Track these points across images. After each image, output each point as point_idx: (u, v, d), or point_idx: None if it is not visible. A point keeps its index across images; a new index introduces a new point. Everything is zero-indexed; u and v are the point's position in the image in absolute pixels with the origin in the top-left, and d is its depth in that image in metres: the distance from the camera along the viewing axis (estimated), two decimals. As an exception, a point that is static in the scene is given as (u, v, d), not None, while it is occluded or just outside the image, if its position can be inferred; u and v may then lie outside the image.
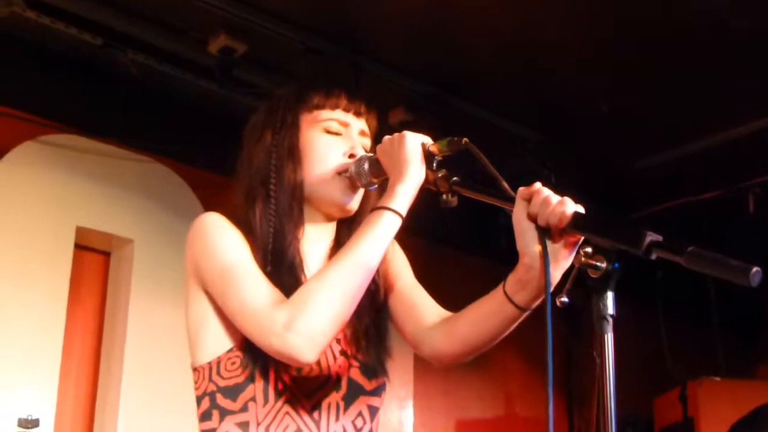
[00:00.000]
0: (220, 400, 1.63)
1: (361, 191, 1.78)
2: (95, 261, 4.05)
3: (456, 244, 5.11)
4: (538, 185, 1.50)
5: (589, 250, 1.36)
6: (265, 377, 1.61)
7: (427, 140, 1.66)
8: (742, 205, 4.69)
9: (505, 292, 1.63)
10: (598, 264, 1.33)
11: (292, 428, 1.62)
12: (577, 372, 4.94)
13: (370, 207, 1.74)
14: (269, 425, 1.61)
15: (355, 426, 1.68)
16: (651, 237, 1.27)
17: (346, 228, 1.79)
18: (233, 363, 1.63)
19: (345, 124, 1.79)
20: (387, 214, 1.60)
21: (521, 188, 1.52)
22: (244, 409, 1.61)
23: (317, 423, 1.64)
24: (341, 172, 1.74)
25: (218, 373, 1.64)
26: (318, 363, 1.62)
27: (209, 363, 1.65)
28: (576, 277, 1.39)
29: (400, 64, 4.05)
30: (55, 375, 3.62)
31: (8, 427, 2.98)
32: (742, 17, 3.57)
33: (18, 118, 3.78)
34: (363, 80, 3.87)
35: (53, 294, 3.70)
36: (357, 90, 1.84)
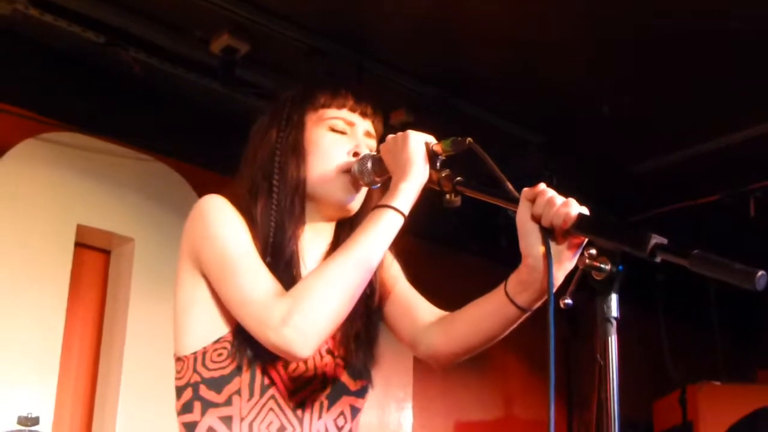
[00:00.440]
0: (204, 391, 1.61)
1: (363, 192, 1.77)
2: (95, 259, 4.05)
3: (457, 245, 5.11)
4: (542, 186, 1.49)
5: (593, 251, 1.35)
6: (252, 371, 1.59)
7: (431, 139, 1.66)
8: (743, 209, 4.69)
9: (506, 293, 1.62)
10: (602, 266, 1.32)
11: (275, 425, 1.60)
12: (577, 375, 4.94)
13: (371, 208, 1.72)
14: (252, 421, 1.59)
15: (336, 425, 1.68)
16: (656, 239, 1.26)
17: (347, 229, 1.78)
18: (220, 354, 1.61)
19: (351, 124, 1.78)
20: (389, 212, 1.59)
21: (525, 189, 1.51)
22: (228, 402, 1.59)
23: (300, 420, 1.63)
24: (344, 171, 1.73)
25: (203, 364, 1.61)
26: (305, 361, 1.61)
27: (194, 353, 1.62)
28: (579, 279, 1.38)
29: (403, 65, 4.05)
30: (54, 373, 3.62)
31: (8, 425, 2.98)
32: (745, 21, 3.57)
33: (19, 115, 3.78)
34: (365, 81, 3.87)
35: (53, 292, 3.70)
36: (367, 95, 1.82)
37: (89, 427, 3.85)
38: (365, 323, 1.73)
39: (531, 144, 4.57)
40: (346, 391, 1.70)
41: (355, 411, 1.72)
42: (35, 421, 2.85)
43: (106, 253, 4.09)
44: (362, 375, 1.72)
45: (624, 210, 5.03)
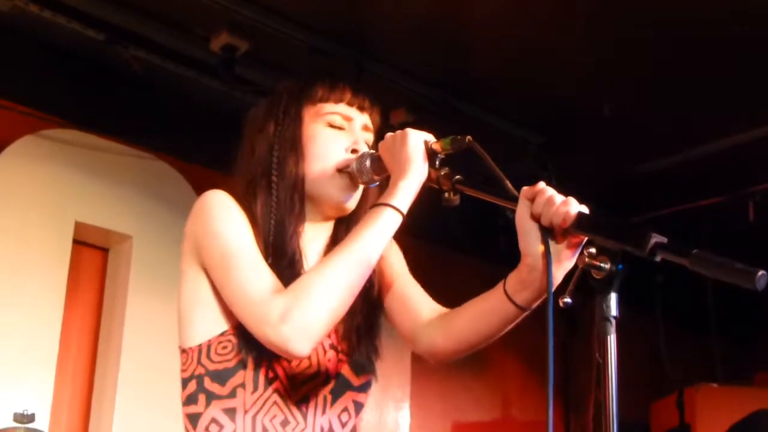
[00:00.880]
0: (208, 383, 1.61)
1: (360, 190, 1.76)
2: (93, 257, 4.04)
3: (455, 245, 5.11)
4: (541, 184, 1.49)
5: (593, 250, 1.34)
6: (257, 364, 1.59)
7: (430, 138, 1.65)
8: (742, 212, 4.69)
9: (505, 291, 1.62)
10: (602, 265, 1.32)
11: (279, 418, 1.60)
12: (574, 376, 4.94)
13: (368, 206, 1.72)
14: (257, 413, 1.59)
15: (340, 420, 1.68)
16: (656, 238, 1.26)
17: (344, 227, 1.78)
18: (225, 347, 1.61)
19: (348, 119, 1.77)
20: (388, 210, 1.59)
21: (525, 187, 1.50)
22: (232, 394, 1.59)
23: (304, 415, 1.63)
24: (342, 169, 1.72)
25: (208, 356, 1.61)
26: (308, 356, 1.61)
27: (199, 345, 1.62)
28: (578, 278, 1.38)
29: (403, 65, 4.05)
30: (51, 370, 3.62)
31: (4, 422, 2.97)
32: (745, 24, 3.57)
33: (18, 112, 3.77)
34: (365, 80, 3.86)
35: (51, 289, 3.69)
36: (364, 89, 1.82)
37: (86, 424, 3.85)
38: (366, 317, 1.73)
39: (530, 144, 4.57)
40: (349, 387, 1.70)
41: (358, 406, 1.72)
42: (31, 418, 2.85)
43: (104, 250, 4.09)
44: (365, 369, 1.72)
45: (623, 212, 5.03)
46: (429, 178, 1.63)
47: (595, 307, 1.30)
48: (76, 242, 3.87)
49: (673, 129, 4.42)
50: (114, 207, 3.95)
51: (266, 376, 1.60)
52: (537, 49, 3.88)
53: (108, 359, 3.87)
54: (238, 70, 3.84)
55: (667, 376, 4.99)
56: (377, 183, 1.74)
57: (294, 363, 1.61)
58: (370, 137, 1.80)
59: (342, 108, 1.77)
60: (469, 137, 1.59)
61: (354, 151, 1.74)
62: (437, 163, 1.63)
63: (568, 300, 1.36)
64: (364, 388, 1.73)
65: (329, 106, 1.77)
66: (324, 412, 1.65)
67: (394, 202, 1.59)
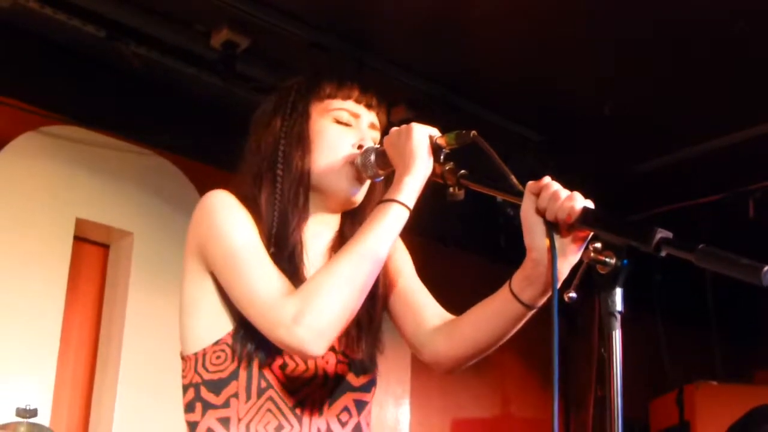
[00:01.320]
0: (204, 393, 1.62)
1: (366, 184, 1.76)
2: (94, 253, 4.04)
3: (455, 243, 5.10)
4: (547, 179, 1.49)
5: (598, 245, 1.34)
6: (249, 373, 1.60)
7: (435, 132, 1.65)
8: (742, 209, 4.69)
9: (511, 290, 1.61)
10: (607, 260, 1.32)
11: (273, 425, 1.60)
12: (574, 374, 4.94)
13: (375, 200, 1.73)
14: (250, 422, 1.59)
15: (339, 420, 1.67)
16: (661, 234, 1.26)
17: (350, 222, 1.78)
18: (218, 357, 1.61)
19: (356, 116, 1.77)
20: (395, 206, 1.59)
21: (530, 182, 1.50)
22: (226, 404, 1.60)
23: (299, 419, 1.62)
24: (349, 162, 1.72)
25: (203, 366, 1.62)
26: (305, 361, 1.61)
27: (195, 354, 1.64)
28: (583, 272, 1.38)
29: (404, 62, 4.05)
30: (52, 366, 3.62)
31: (7, 417, 2.98)
32: (746, 21, 3.57)
33: (19, 108, 3.77)
34: (366, 77, 3.86)
35: (52, 285, 3.69)
36: (371, 87, 1.82)
37: (87, 419, 3.85)
38: (368, 314, 1.72)
39: (531, 142, 4.57)
40: (349, 388, 1.69)
41: (361, 405, 1.71)
42: (34, 413, 2.84)
43: (105, 247, 4.08)
44: (366, 369, 1.71)
45: (623, 209, 5.02)
46: (434, 173, 1.63)
47: (600, 303, 1.30)
48: (77, 239, 3.86)
49: (672, 127, 4.41)
50: (115, 203, 3.94)
51: (259, 385, 1.60)
52: (537, 47, 3.88)
53: (109, 355, 3.87)
54: (238, 66, 3.84)
55: (666, 373, 5.00)
56: (382, 177, 1.74)
57: (288, 369, 1.61)
58: (377, 135, 1.80)
59: (350, 105, 1.77)
60: (474, 132, 1.59)
61: (360, 146, 1.74)
62: (442, 157, 1.63)
63: (573, 295, 1.37)
64: (366, 387, 1.72)
65: (337, 103, 1.77)
66: (321, 414, 1.65)
67: (400, 197, 1.59)
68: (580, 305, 1.38)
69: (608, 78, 4.08)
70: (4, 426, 2.88)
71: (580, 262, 1.42)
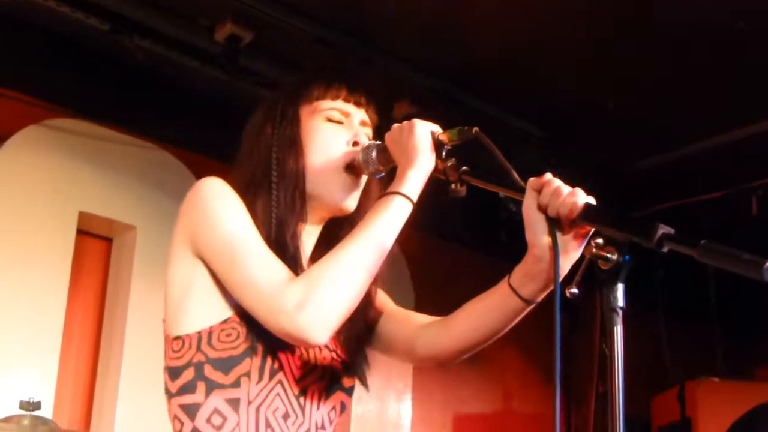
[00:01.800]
0: (209, 372, 1.55)
1: (359, 192, 1.75)
2: (97, 246, 4.05)
3: (456, 239, 5.11)
4: (549, 176, 1.50)
5: (600, 241, 1.35)
6: (264, 354, 1.55)
7: (437, 128, 1.65)
8: (745, 206, 4.69)
9: (510, 285, 1.61)
10: (609, 256, 1.32)
11: (281, 411, 1.58)
12: (575, 370, 4.94)
13: (370, 202, 1.72)
14: (260, 405, 1.56)
15: (329, 417, 1.67)
16: (663, 229, 1.26)
17: (337, 228, 1.76)
18: (229, 335, 1.56)
19: (346, 114, 1.76)
20: (398, 198, 1.58)
21: (532, 178, 1.50)
22: (236, 384, 1.55)
23: (302, 408, 1.61)
24: (349, 164, 1.71)
25: (209, 343, 1.56)
26: (307, 350, 1.60)
27: (198, 332, 1.57)
28: (585, 269, 1.38)
29: (407, 57, 4.05)
30: (55, 359, 3.63)
31: (10, 409, 2.99)
32: (748, 18, 3.57)
33: (22, 101, 3.77)
34: (369, 72, 3.86)
35: (55, 279, 3.70)
36: (361, 81, 1.81)
37: (89, 412, 3.86)
38: (364, 321, 1.72)
39: (532, 138, 4.56)
40: (340, 386, 1.69)
41: (343, 408, 1.72)
42: (37, 405, 2.85)
43: (108, 240, 4.09)
44: (355, 372, 1.71)
45: (624, 206, 5.02)
46: (436, 169, 1.63)
47: (602, 299, 1.30)
48: (80, 232, 3.87)
49: (675, 123, 4.41)
50: (118, 197, 3.95)
51: (272, 366, 1.57)
52: (539, 43, 3.88)
53: (111, 348, 3.88)
54: (242, 60, 3.84)
55: (668, 370, 5.00)
56: (382, 174, 1.74)
57: (297, 354, 1.59)
58: (368, 132, 1.79)
59: (339, 104, 1.76)
60: (476, 128, 1.59)
61: (355, 143, 1.73)
62: (444, 154, 1.63)
63: (575, 290, 1.37)
64: (350, 391, 1.72)
65: (327, 103, 1.76)
66: (319, 407, 1.64)
67: (403, 190, 1.59)
68: (581, 301, 1.38)
69: (610, 74, 4.07)
70: (8, 419, 2.89)
71: (582, 258, 1.42)
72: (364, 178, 1.75)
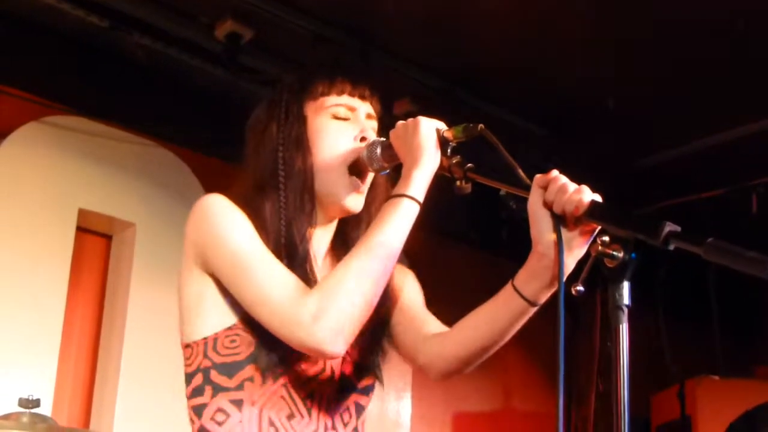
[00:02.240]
0: (215, 376, 1.60)
1: (365, 191, 1.75)
2: (97, 244, 4.04)
3: (458, 237, 5.10)
4: (555, 172, 1.50)
5: (606, 238, 1.34)
6: (266, 359, 1.58)
7: (442, 126, 1.65)
8: (745, 204, 4.69)
9: (513, 286, 1.62)
10: (615, 253, 1.32)
11: (285, 412, 1.59)
12: (576, 369, 4.94)
13: (377, 198, 1.73)
14: (263, 406, 1.58)
15: (342, 420, 1.67)
16: (669, 227, 1.26)
17: (349, 226, 1.77)
18: (232, 341, 1.59)
19: (352, 109, 1.76)
20: (405, 200, 1.58)
21: (538, 175, 1.51)
22: (240, 387, 1.58)
23: (309, 411, 1.62)
24: (352, 164, 1.71)
25: (214, 349, 1.60)
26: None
27: (205, 339, 1.61)
28: (591, 266, 1.38)
29: (408, 55, 4.04)
30: (54, 356, 3.62)
31: (9, 407, 2.98)
32: (749, 17, 3.56)
33: (22, 98, 3.77)
34: (370, 69, 3.85)
35: (54, 276, 3.69)
36: (362, 76, 1.81)
37: (88, 410, 3.86)
38: (375, 320, 1.70)
39: (534, 136, 4.56)
40: (353, 388, 1.69)
41: (360, 409, 1.71)
42: (36, 403, 2.84)
43: (108, 237, 4.08)
44: (369, 372, 1.71)
45: (626, 204, 5.02)
46: (441, 167, 1.63)
47: (608, 296, 1.30)
48: (80, 229, 3.86)
49: (676, 121, 4.41)
50: (117, 194, 3.94)
51: (275, 370, 1.58)
52: (542, 42, 3.88)
53: (111, 345, 3.87)
54: (242, 58, 3.84)
55: (668, 368, 4.99)
56: (387, 171, 1.73)
57: (303, 359, 1.60)
58: (374, 125, 1.79)
59: (345, 99, 1.76)
60: (481, 125, 1.59)
61: (363, 139, 1.73)
62: (449, 151, 1.63)
63: (580, 288, 1.36)
64: (366, 390, 1.72)
65: (332, 99, 1.75)
66: (328, 410, 1.65)
67: (410, 192, 1.59)
68: (583, 300, 1.38)
69: (612, 72, 4.07)
70: (7, 416, 2.88)
71: (587, 255, 1.42)
72: (370, 176, 1.75)
